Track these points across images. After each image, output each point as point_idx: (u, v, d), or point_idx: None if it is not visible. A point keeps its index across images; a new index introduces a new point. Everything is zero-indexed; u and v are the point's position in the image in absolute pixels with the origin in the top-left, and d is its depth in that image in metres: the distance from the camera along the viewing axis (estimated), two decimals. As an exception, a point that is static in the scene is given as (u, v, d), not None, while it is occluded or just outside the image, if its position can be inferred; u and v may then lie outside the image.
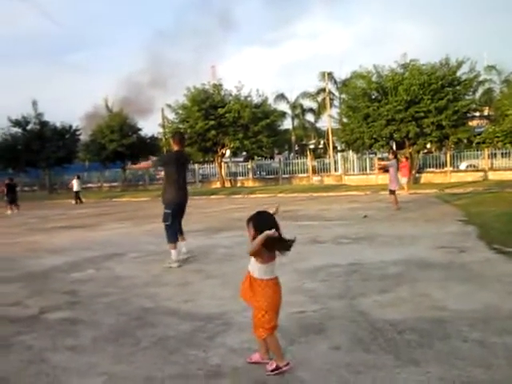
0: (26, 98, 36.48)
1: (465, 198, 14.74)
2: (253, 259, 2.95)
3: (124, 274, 6.05)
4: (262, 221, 2.93)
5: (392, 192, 12.71)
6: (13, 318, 4.36)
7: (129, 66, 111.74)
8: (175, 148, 6.81)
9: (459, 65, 23.86)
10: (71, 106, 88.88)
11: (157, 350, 3.37)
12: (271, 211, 3.03)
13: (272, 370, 2.89)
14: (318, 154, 43.09)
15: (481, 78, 26.13)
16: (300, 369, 2.92)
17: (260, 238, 2.78)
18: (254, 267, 2.95)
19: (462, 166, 26.71)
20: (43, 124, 35.84)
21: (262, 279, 2.94)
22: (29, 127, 35.97)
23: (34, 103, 35.67)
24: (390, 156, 13.57)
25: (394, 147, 25.31)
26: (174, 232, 6.54)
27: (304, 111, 47.71)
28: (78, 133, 37.35)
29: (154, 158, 10.01)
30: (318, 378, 2.79)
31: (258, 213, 3.04)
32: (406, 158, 21.35)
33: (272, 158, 39.12)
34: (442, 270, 5.34)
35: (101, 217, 15.05)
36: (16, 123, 35.50)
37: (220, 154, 30.88)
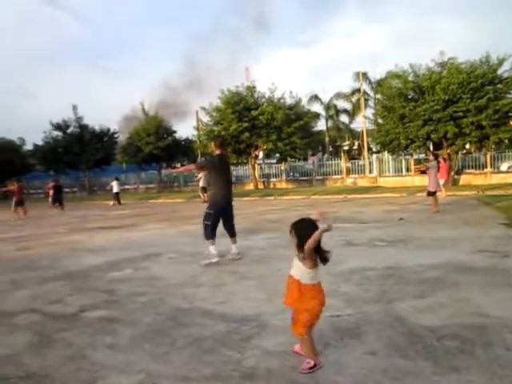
0: (66, 102, 37.96)
1: (506, 200, 14.18)
2: (300, 264, 2.98)
3: (160, 274, 6.16)
4: (303, 227, 2.96)
5: (431, 194, 12.39)
6: (55, 316, 4.51)
7: (166, 69, 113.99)
8: (217, 152, 6.95)
9: (500, 62, 23.02)
10: (110, 110, 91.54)
11: (192, 350, 3.41)
12: (320, 222, 2.99)
13: (310, 368, 2.93)
14: (352, 156, 42.62)
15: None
16: (335, 373, 2.89)
17: (317, 233, 2.83)
18: (303, 272, 2.98)
19: (503, 167, 25.79)
20: (83, 127, 37.09)
21: (313, 284, 2.99)
22: (69, 130, 37.33)
23: (74, 107, 37.04)
24: (431, 157, 13.23)
25: (431, 148, 24.71)
26: (213, 230, 6.70)
27: (338, 112, 47.34)
28: (115, 135, 38.38)
29: (198, 162, 10.16)
30: (353, 383, 2.75)
31: (300, 220, 3.07)
32: (444, 159, 20.76)
33: (305, 159, 38.90)
34: (483, 275, 5.16)
35: (138, 218, 15.39)
36: (57, 127, 36.94)
37: (253, 155, 30.99)
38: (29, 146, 40.28)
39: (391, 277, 5.30)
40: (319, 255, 2.96)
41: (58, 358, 3.39)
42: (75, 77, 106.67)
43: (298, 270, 3.00)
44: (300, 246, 2.94)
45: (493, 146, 24.73)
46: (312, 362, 2.97)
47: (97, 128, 37.41)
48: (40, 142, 37.51)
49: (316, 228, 2.91)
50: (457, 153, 25.01)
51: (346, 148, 50.74)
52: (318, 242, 2.90)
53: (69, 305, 4.88)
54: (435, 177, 12.65)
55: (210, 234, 6.69)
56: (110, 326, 4.07)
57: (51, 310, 4.71)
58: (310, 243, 2.85)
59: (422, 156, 27.70)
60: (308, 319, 2.96)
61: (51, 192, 22.79)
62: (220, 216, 6.77)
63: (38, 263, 7.56)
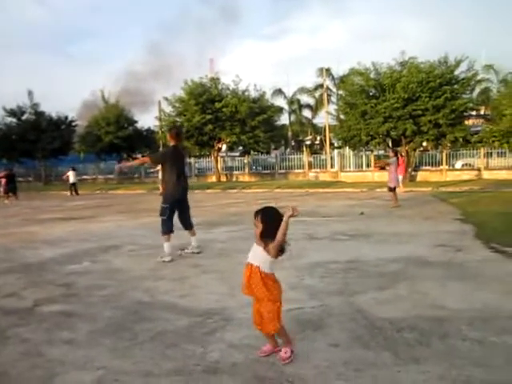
0: (23, 88, 36.03)
1: (461, 197, 14.78)
2: (264, 253, 2.95)
3: (120, 267, 6.02)
4: (270, 214, 2.96)
5: (391, 189, 12.72)
6: (8, 310, 4.31)
7: (130, 57, 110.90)
8: (172, 143, 6.72)
9: (457, 63, 23.86)
10: (72, 99, 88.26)
11: (154, 344, 3.34)
12: (288, 213, 2.99)
13: (289, 357, 2.96)
14: (315, 150, 43.09)
15: (478, 77, 26.08)
16: (299, 365, 2.90)
17: (284, 224, 2.83)
18: (265, 261, 2.96)
19: (458, 164, 26.81)
20: (39, 114, 35.53)
21: (272, 273, 3.01)
22: (24, 117, 35.66)
23: (30, 93, 35.37)
24: (391, 153, 13.55)
25: (391, 144, 25.34)
26: (169, 225, 6.51)
27: (301, 107, 47.75)
28: (73, 124, 37.05)
29: (152, 155, 9.61)
30: (317, 375, 2.78)
31: (267, 207, 3.06)
32: (402, 155, 21.36)
33: (268, 153, 39.05)
34: (440, 269, 5.34)
35: (97, 209, 14.98)
36: (11, 113, 35.20)
37: (216, 148, 30.79)
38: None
39: (353, 270, 5.39)
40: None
41: (14, 355, 3.24)
42: (35, 63, 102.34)
43: (260, 257, 2.97)
44: (264, 234, 2.92)
45: (448, 145, 25.64)
46: (289, 350, 2.99)
47: (54, 115, 36.00)
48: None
49: (281, 217, 2.90)
50: (414, 150, 25.79)
51: (308, 143, 51.23)
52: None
53: (23, 298, 4.68)
54: (395, 173, 12.99)
55: (167, 228, 6.47)
56: (68, 321, 3.93)
57: (4, 304, 4.50)
58: (280, 236, 2.85)
59: (382, 152, 28.41)
60: (277, 309, 2.97)
61: (3, 181, 21.86)
62: (175, 209, 6.59)
63: (-10, 255, 7.22)
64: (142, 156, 35.09)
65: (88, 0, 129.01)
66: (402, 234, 7.87)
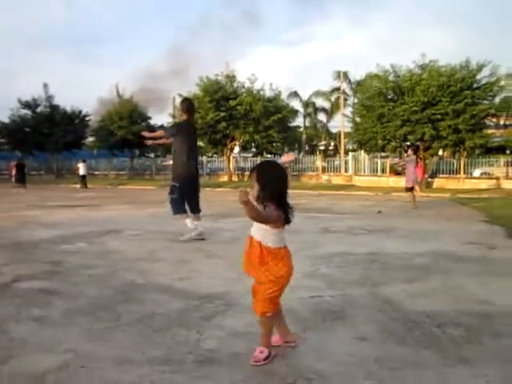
0: (45, 85, 35.72)
1: (483, 202, 14.00)
2: (262, 225, 2.33)
3: (116, 249, 5.45)
4: (269, 170, 2.33)
5: (409, 189, 12.02)
6: (-21, 285, 3.77)
7: (150, 57, 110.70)
8: (184, 117, 6.16)
9: (480, 68, 23.02)
10: (91, 98, 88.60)
11: (139, 328, 2.75)
12: (285, 159, 2.39)
13: (264, 359, 2.28)
14: (328, 155, 42.35)
15: (502, 83, 25.17)
16: (317, 359, 2.29)
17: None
18: (267, 234, 2.32)
19: (476, 173, 25.91)
20: (53, 107, 35.38)
21: (279, 247, 2.33)
22: (38, 110, 35.54)
23: (45, 86, 35.27)
24: (410, 151, 12.81)
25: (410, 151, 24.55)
26: (181, 204, 6.00)
27: (316, 110, 47.03)
28: (87, 118, 36.83)
29: (166, 128, 8.82)
30: (341, 373, 2.16)
31: (265, 161, 2.47)
32: (420, 158, 20.61)
33: (281, 155, 38.46)
34: (475, 264, 4.68)
35: (104, 199, 14.50)
36: (26, 105, 35.08)
37: (229, 147, 30.26)
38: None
39: (375, 262, 4.76)
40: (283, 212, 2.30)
41: (-32, 331, 2.69)
42: (59, 61, 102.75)
43: (261, 230, 2.33)
44: (261, 195, 2.28)
45: (469, 151, 24.72)
46: (266, 351, 2.32)
47: (68, 109, 35.82)
48: (7, 121, 35.65)
49: (284, 174, 2.33)
50: (432, 156, 24.97)
51: (322, 148, 50.50)
52: (284, 196, 2.30)
53: (1, 274, 4.13)
54: (414, 172, 12.26)
55: (178, 208, 5.98)
56: (44, 298, 3.36)
57: (-24, 279, 3.96)
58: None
59: (396, 160, 27.59)
60: (271, 291, 2.28)
61: (14, 171, 21.65)
62: (186, 188, 6.05)
63: (-20, 234, 6.74)
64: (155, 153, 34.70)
65: (112, 2, 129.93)
66: (424, 231, 7.20)
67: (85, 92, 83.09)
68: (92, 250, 5.39)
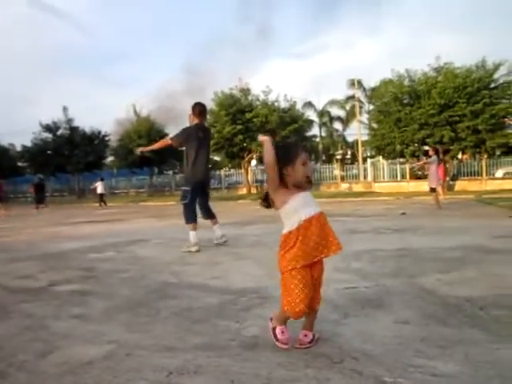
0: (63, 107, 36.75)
1: (508, 201, 13.70)
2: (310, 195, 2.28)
3: (146, 255, 5.50)
4: (283, 152, 2.21)
5: (433, 190, 11.86)
6: (17, 289, 3.83)
7: (164, 76, 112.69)
8: (195, 121, 6.18)
9: (496, 67, 22.76)
10: (108, 119, 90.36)
11: (179, 320, 2.76)
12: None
13: (310, 341, 2.25)
14: (346, 164, 42.16)
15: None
16: (363, 342, 2.26)
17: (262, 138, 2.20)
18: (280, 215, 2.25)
19: (499, 173, 25.41)
20: (73, 129, 36.16)
21: (288, 232, 2.20)
22: (59, 132, 36.36)
23: (65, 109, 36.15)
24: (431, 152, 12.66)
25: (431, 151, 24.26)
26: (193, 211, 5.96)
27: (332, 119, 47.00)
28: (106, 138, 37.50)
29: (175, 135, 8.37)
30: (387, 352, 2.12)
31: (281, 142, 2.44)
32: (441, 160, 20.31)
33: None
34: (509, 255, 4.58)
35: (126, 215, 14.69)
36: (47, 128, 35.96)
37: (247, 160, 30.40)
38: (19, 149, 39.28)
39: (406, 256, 4.69)
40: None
41: (13, 329, 2.73)
42: (74, 84, 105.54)
43: (313, 200, 2.29)
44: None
45: (490, 152, 24.29)
46: (310, 334, 2.26)
47: (87, 130, 36.58)
48: (29, 144, 36.58)
49: (295, 156, 2.20)
50: (452, 158, 24.65)
51: (339, 157, 50.31)
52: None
53: (38, 280, 4.20)
54: (436, 173, 12.10)
55: (190, 216, 5.88)
56: (82, 299, 3.40)
57: (16, 285, 4.03)
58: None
59: (415, 166, 27.28)
60: (292, 287, 2.14)
61: (33, 190, 22.10)
62: (198, 193, 6.01)
63: (13, 247, 6.90)
64: (174, 173, 34.93)
65: (127, 23, 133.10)
66: (453, 228, 7.09)
67: (102, 114, 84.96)
68: (121, 257, 5.44)
